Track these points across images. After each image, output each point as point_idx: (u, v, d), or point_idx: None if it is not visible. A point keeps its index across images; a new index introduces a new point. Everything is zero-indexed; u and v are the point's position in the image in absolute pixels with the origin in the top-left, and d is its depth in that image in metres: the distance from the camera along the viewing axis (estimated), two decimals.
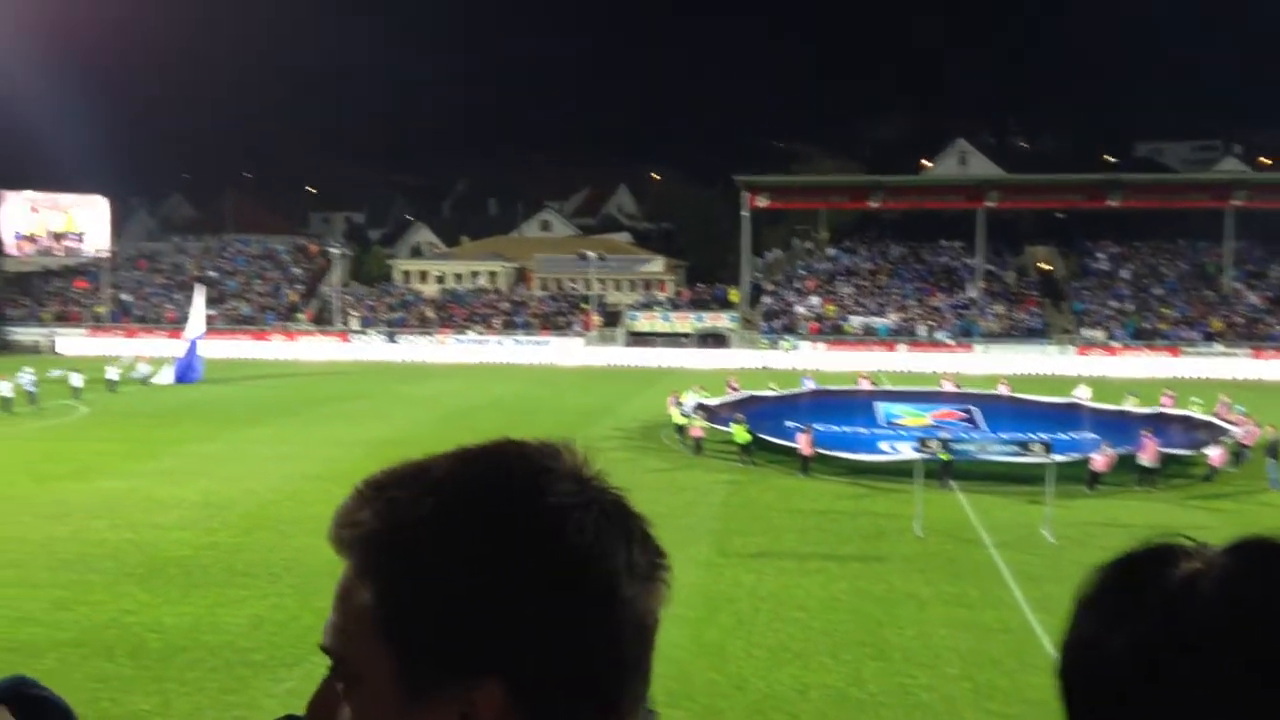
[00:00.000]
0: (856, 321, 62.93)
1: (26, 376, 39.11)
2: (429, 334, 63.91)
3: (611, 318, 65.44)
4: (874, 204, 68.07)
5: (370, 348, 61.92)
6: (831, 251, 72.48)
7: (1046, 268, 70.26)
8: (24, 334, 63.57)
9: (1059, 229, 74.02)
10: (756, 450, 29.17)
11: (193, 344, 48.01)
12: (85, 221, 72.01)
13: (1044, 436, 29.45)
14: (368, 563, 0.85)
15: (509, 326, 65.06)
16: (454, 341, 62.56)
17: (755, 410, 33.37)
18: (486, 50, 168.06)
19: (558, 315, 66.64)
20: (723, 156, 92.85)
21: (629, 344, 62.20)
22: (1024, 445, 27.77)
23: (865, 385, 41.91)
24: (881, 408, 36.79)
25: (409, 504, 0.85)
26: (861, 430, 33.18)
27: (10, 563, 18.36)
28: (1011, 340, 59.45)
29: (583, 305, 66.95)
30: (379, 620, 0.83)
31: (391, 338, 63.22)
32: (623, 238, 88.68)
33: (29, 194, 70.27)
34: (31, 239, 70.35)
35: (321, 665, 0.88)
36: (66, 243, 71.51)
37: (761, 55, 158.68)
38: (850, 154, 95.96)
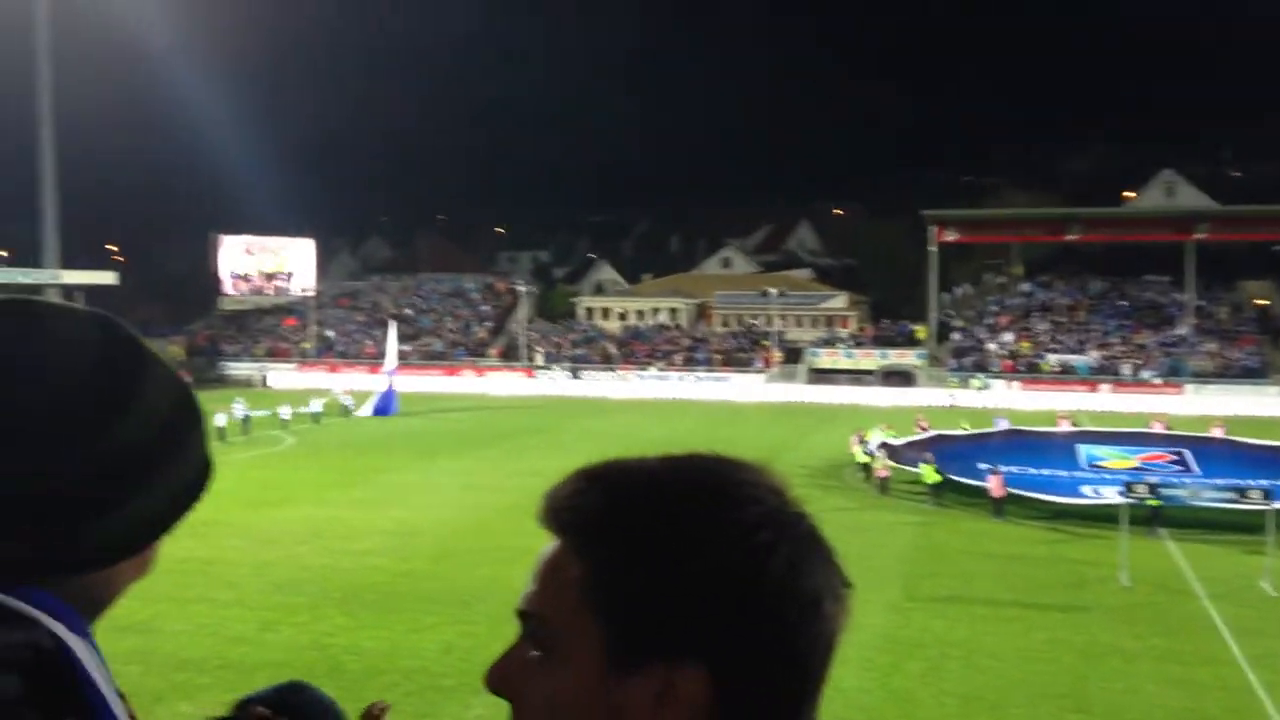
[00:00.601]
0: (1053, 359, 60.32)
1: (239, 408, 41.65)
2: (611, 369, 64.82)
3: (792, 354, 64.85)
4: (1071, 237, 65.32)
5: (555, 383, 63.24)
6: (1026, 286, 69.86)
7: (1263, 303, 65.69)
8: (238, 369, 67.81)
9: (1277, 263, 69.23)
10: (946, 491, 28.21)
11: (391, 378, 50.36)
12: (294, 262, 76.54)
13: (1263, 483, 27.35)
14: (585, 539, 0.88)
15: (689, 363, 65.35)
16: (636, 377, 63.24)
17: (945, 450, 32.29)
18: (667, 90, 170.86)
19: (738, 352, 66.52)
20: (906, 190, 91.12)
21: (810, 381, 61.43)
22: (1241, 491, 25.82)
23: (1065, 426, 40.00)
24: (1083, 449, 35.05)
25: (630, 490, 0.89)
26: (1061, 473, 31.66)
27: (227, 584, 19.43)
28: (1226, 380, 55.73)
29: (763, 342, 66.63)
30: (591, 593, 0.86)
31: (575, 373, 64.43)
32: (804, 274, 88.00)
33: (245, 238, 75.20)
34: (246, 279, 75.17)
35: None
36: (277, 282, 76.11)
37: (945, 86, 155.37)
38: (1044, 186, 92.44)
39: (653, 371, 64.22)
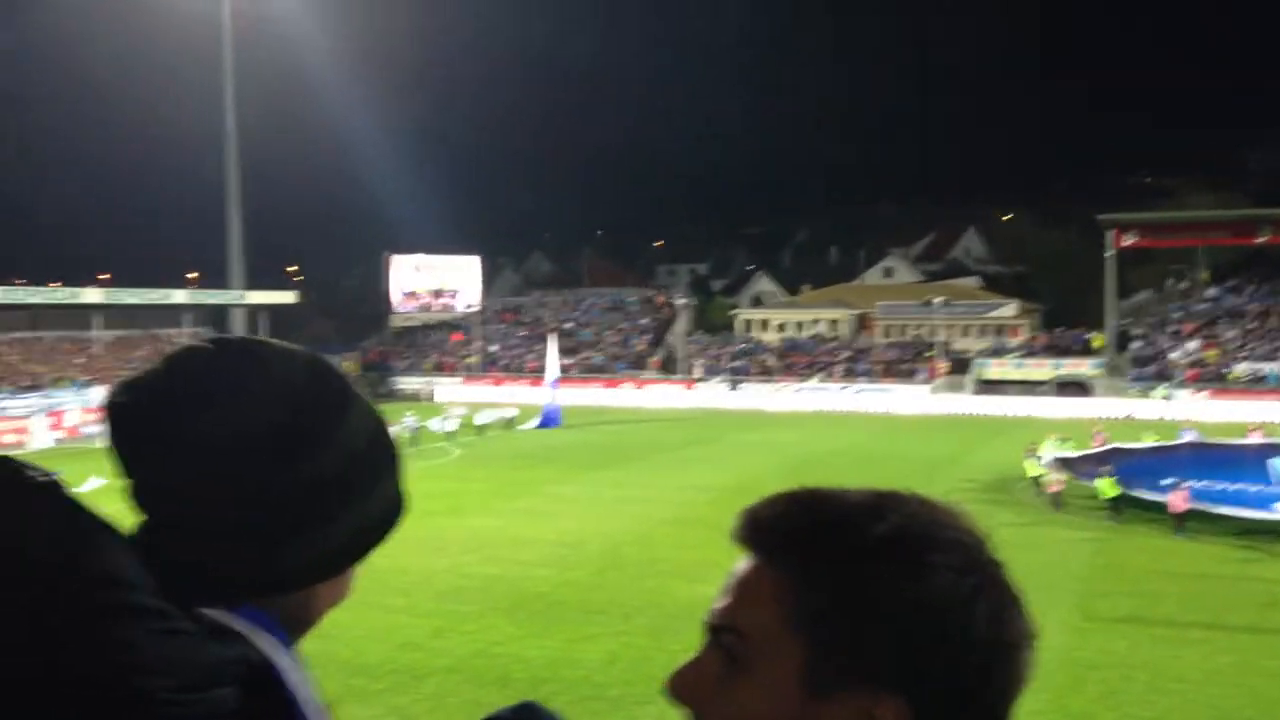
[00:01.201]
0: (1242, 368, 56.82)
1: (410, 421, 43.17)
2: (770, 381, 64.38)
3: (959, 365, 63.02)
4: (1262, 239, 61.54)
5: (714, 395, 63.21)
6: (1212, 292, 66.08)
7: None
8: (407, 383, 70.28)
9: None
10: (1124, 506, 26.88)
11: (554, 391, 51.41)
12: (459, 280, 78.94)
13: None
14: (791, 561, 0.88)
15: (850, 374, 64.31)
16: (795, 389, 62.60)
17: (1124, 463, 30.76)
18: (828, 99, 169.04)
19: (901, 363, 65.11)
20: (1078, 193, 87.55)
21: (978, 392, 59.57)
22: None
23: (1256, 438, 37.60)
24: (1275, 463, 32.88)
25: (839, 518, 0.89)
26: (1250, 487, 29.75)
27: (398, 591, 20.08)
28: None
29: (928, 353, 65.03)
30: (795, 614, 0.86)
31: (734, 385, 64.25)
32: (971, 282, 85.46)
33: (414, 257, 77.99)
34: (414, 296, 77.93)
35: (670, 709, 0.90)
36: (443, 299, 78.64)
37: (1117, 80, 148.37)
38: (1231, 185, 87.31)
39: (812, 383, 63.47)
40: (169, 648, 0.93)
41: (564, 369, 57.62)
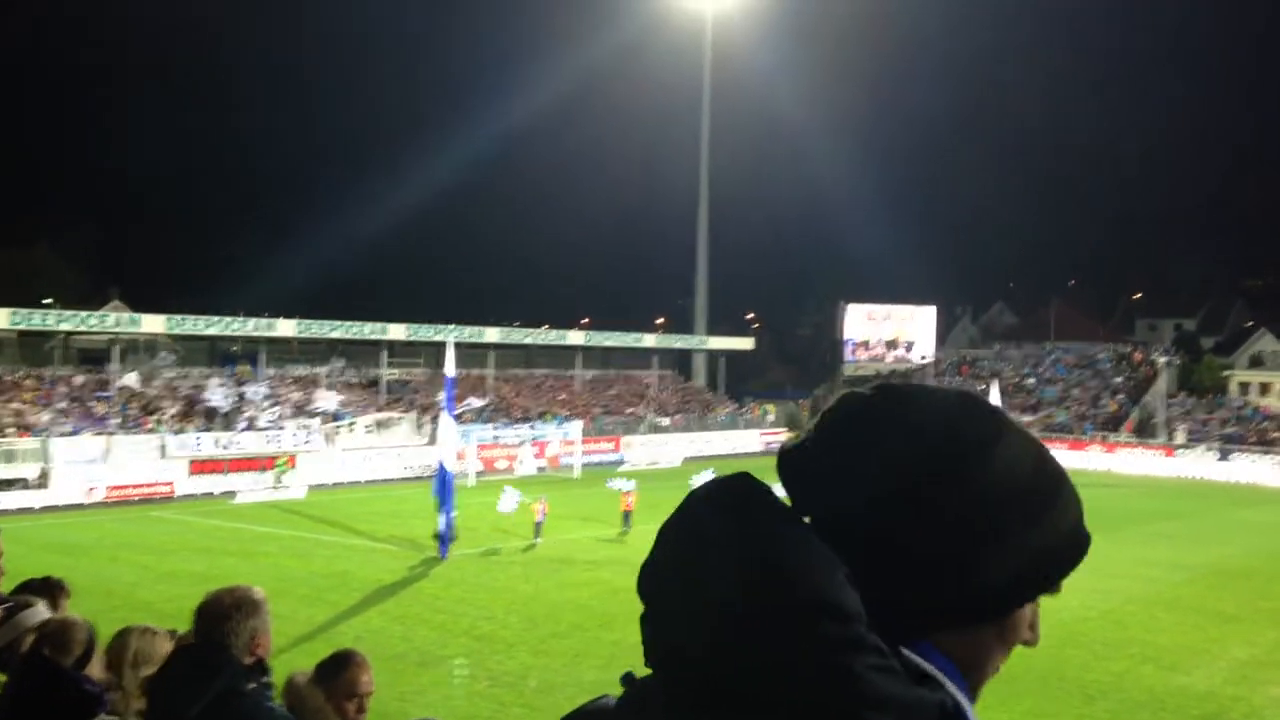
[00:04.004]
0: None
1: None
2: (1269, 452, 56.67)
3: None
4: None
5: (1196, 464, 56.79)
6: None
7: None
8: None
9: None
10: None
11: None
12: (914, 330, 77.65)
13: None
14: None
15: None
16: None
17: None
18: None
19: None
20: None
21: None
22: None
23: None
24: None
25: None
26: None
27: None
28: None
29: None
30: None
31: (1224, 455, 57.30)
32: None
33: (867, 306, 77.92)
34: (865, 346, 77.74)
35: None
36: (896, 352, 77.70)
37: None
38: None
39: None
40: (889, 685, 0.95)
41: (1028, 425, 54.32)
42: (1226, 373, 72.86)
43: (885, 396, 1.13)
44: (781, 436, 58.93)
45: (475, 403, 51.87)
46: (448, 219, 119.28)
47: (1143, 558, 29.93)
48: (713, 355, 71.81)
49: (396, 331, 55.18)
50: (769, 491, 1.06)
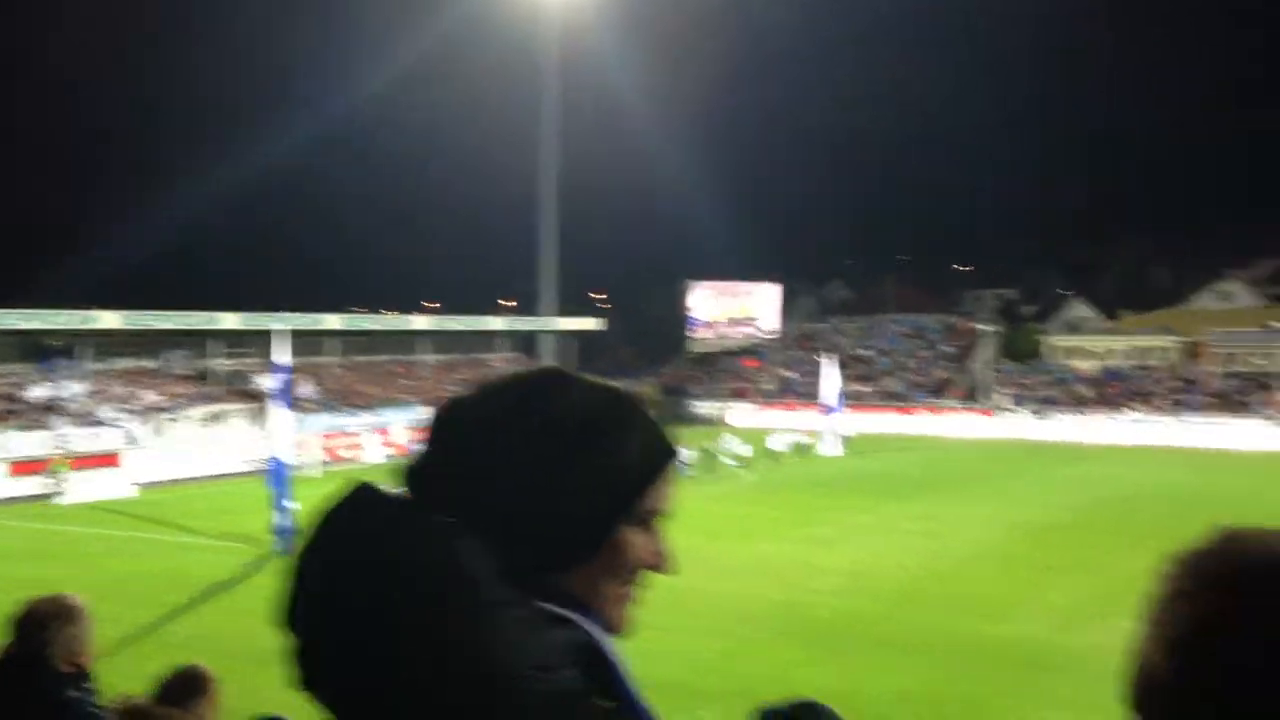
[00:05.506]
0: None
1: (732, 443, 43.79)
2: (1081, 412, 60.31)
3: None
4: None
5: (1016, 424, 60.06)
6: None
7: None
8: (702, 407, 71.34)
9: None
10: None
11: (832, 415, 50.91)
12: (757, 306, 79.38)
13: None
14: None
15: (1176, 406, 59.13)
16: (1109, 421, 58.35)
17: None
18: (1150, 110, 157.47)
19: (1236, 395, 59.17)
20: None
21: None
22: None
23: None
24: None
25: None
26: None
27: (691, 612, 20.27)
28: None
29: (1271, 384, 58.74)
30: None
31: (1041, 415, 60.71)
32: None
33: (712, 284, 79.21)
34: (710, 325, 79.10)
35: None
36: (742, 328, 79.30)
37: None
38: None
39: (1130, 415, 58.88)
40: (526, 632, 1.03)
41: (859, 396, 56.45)
42: (1043, 338, 76.95)
43: (538, 375, 1.31)
44: None
45: (304, 390, 50.44)
46: (289, 203, 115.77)
47: (969, 516, 31.50)
48: (562, 337, 71.83)
49: (229, 320, 53.25)
50: (392, 496, 1.13)
